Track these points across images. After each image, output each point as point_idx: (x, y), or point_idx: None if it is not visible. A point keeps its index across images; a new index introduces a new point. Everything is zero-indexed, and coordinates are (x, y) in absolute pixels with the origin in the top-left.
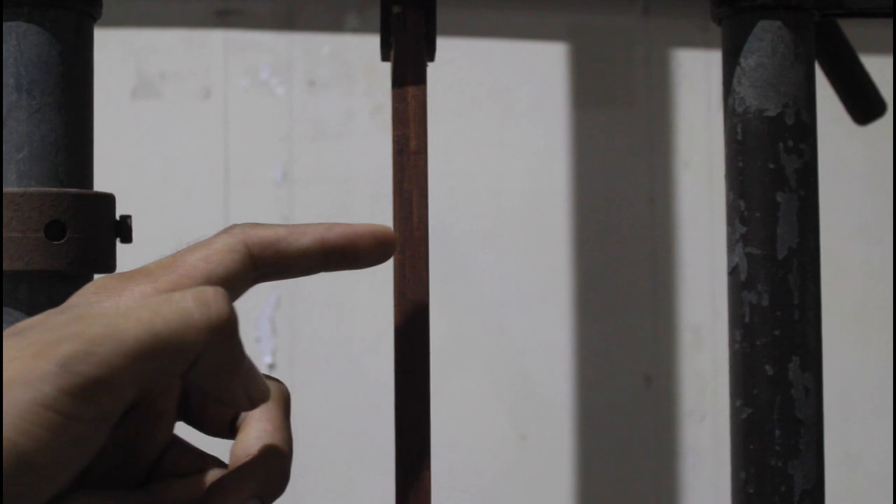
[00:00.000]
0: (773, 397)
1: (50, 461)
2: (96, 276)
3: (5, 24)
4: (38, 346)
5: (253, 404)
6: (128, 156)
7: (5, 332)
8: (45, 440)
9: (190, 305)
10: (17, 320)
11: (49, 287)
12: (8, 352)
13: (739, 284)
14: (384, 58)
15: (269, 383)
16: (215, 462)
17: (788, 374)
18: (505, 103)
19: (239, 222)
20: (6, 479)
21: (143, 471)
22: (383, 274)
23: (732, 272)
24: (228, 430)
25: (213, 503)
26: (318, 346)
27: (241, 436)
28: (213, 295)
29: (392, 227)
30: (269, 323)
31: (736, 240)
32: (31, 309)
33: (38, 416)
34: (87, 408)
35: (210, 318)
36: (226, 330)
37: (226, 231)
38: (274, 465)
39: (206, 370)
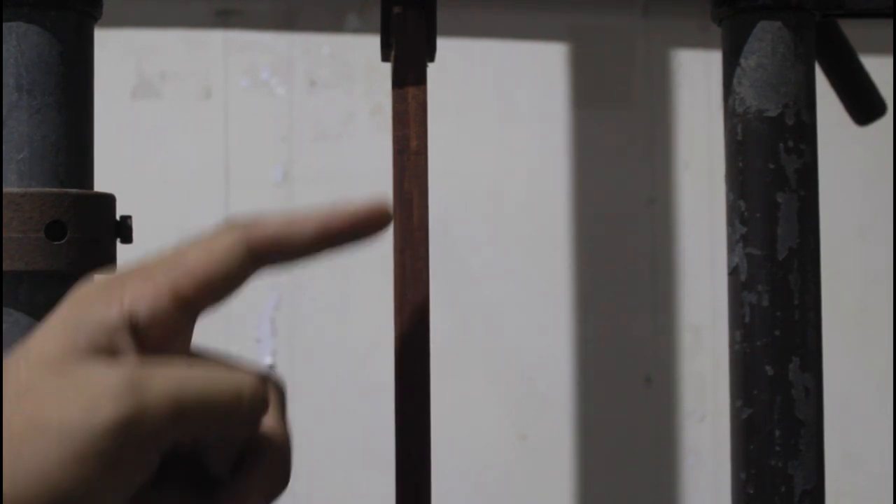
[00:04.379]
0: (773, 398)
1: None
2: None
3: (6, 25)
4: (93, 397)
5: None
6: (128, 156)
7: (33, 348)
8: (93, 487)
9: (244, 395)
10: (18, 321)
11: (49, 287)
12: (62, 392)
13: (740, 285)
14: (384, 58)
15: (266, 383)
16: None
17: (788, 375)
18: (505, 103)
19: (239, 217)
20: None
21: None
22: (383, 274)
23: (733, 272)
24: None
25: None
26: (319, 347)
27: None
28: (262, 388)
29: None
30: (270, 324)
31: (736, 240)
32: (32, 309)
33: (91, 466)
34: (137, 461)
35: (254, 406)
36: (260, 419)
37: (226, 228)
38: (278, 465)
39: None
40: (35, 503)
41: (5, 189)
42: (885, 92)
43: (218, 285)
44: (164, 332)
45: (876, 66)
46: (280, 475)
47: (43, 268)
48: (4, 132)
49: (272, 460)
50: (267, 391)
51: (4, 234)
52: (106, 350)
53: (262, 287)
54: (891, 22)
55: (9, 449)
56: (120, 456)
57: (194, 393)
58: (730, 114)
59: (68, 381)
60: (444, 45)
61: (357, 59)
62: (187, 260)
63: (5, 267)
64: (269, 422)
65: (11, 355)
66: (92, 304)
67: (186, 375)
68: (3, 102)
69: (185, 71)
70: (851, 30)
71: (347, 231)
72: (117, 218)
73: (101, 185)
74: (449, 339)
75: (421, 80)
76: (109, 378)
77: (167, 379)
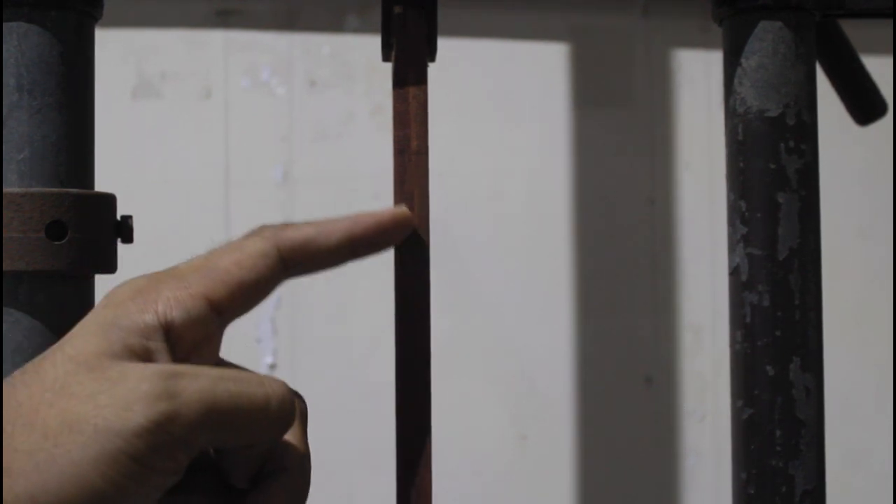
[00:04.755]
0: (773, 398)
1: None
2: (128, 277)
3: (6, 25)
4: (128, 399)
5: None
6: (128, 156)
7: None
8: (124, 487)
9: (272, 403)
10: (18, 320)
11: (50, 287)
12: (98, 393)
13: (740, 285)
14: (385, 58)
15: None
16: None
17: (789, 375)
18: (505, 103)
19: (268, 224)
20: None
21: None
22: (383, 274)
23: (733, 272)
24: None
25: None
26: (319, 347)
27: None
28: (290, 397)
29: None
30: (270, 323)
31: (737, 240)
32: (32, 309)
33: (124, 466)
34: (168, 462)
35: (281, 415)
36: (286, 429)
37: (256, 234)
38: (298, 480)
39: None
40: (68, 502)
41: (5, 189)
42: (886, 92)
43: (250, 291)
44: (195, 337)
45: (876, 66)
46: (299, 491)
47: (43, 268)
48: (5, 132)
49: (292, 475)
50: (294, 403)
51: (4, 234)
52: (140, 353)
53: None
54: (891, 22)
55: (43, 447)
56: (152, 458)
57: (226, 398)
58: (730, 114)
59: (104, 382)
60: (444, 45)
61: (357, 59)
62: (220, 266)
63: (5, 267)
64: (290, 437)
65: (45, 354)
66: (127, 307)
67: (219, 381)
68: (4, 102)
69: (185, 71)
70: (851, 30)
71: (371, 238)
72: (118, 218)
73: (101, 185)
74: (449, 339)
75: (421, 80)
76: (144, 380)
77: (200, 383)
